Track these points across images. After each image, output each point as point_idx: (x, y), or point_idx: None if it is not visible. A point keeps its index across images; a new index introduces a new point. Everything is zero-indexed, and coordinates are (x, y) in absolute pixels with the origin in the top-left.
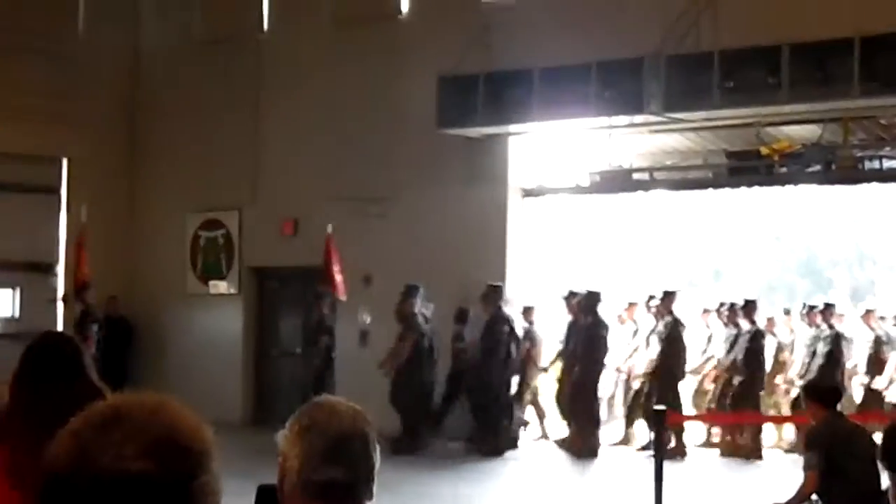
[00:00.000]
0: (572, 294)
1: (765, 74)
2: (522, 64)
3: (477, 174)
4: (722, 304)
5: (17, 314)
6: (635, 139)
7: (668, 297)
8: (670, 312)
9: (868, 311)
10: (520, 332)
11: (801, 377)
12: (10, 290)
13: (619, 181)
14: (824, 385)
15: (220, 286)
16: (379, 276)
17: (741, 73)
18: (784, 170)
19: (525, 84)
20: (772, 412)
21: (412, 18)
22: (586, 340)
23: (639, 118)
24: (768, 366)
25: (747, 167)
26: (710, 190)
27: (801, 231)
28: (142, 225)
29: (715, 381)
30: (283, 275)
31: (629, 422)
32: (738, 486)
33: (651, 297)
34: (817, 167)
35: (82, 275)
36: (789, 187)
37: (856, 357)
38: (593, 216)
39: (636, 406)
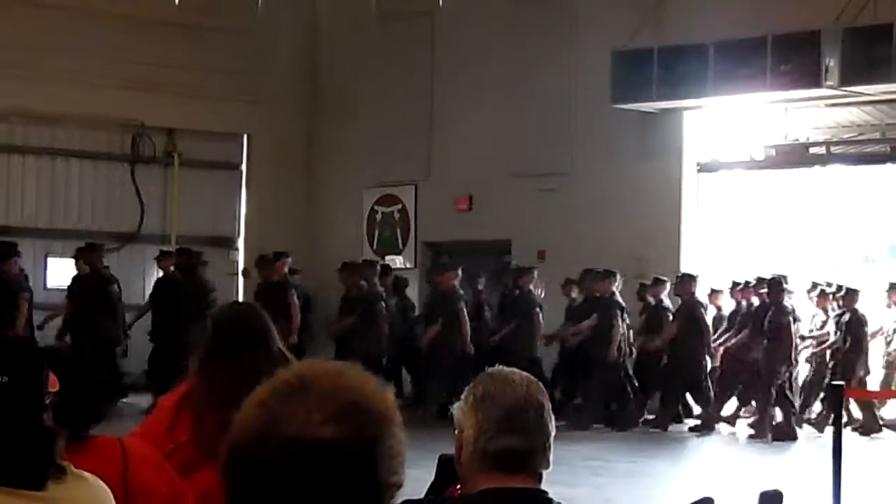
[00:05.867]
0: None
1: None
2: (697, 38)
3: (651, 149)
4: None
5: None
6: (812, 113)
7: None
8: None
9: None
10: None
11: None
12: None
13: (795, 155)
14: None
15: (397, 261)
16: (552, 252)
17: None
18: None
19: (700, 58)
20: None
21: None
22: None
23: (815, 92)
24: None
25: None
26: (889, 164)
27: None
28: (320, 200)
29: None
30: (457, 249)
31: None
32: None
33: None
34: None
35: None
36: None
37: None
38: (768, 190)
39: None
